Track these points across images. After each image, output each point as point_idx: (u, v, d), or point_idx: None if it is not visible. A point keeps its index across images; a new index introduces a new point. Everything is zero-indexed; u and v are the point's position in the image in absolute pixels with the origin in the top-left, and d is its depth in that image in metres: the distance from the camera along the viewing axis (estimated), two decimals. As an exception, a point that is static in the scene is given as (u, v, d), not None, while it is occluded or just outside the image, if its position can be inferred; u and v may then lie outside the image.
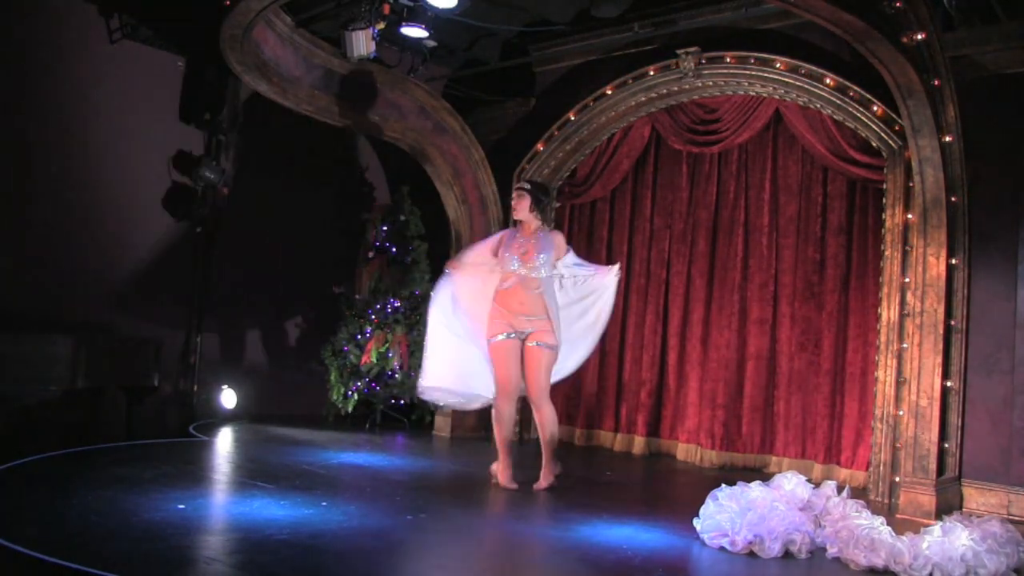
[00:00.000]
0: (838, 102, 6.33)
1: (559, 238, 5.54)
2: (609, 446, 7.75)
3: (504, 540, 4.18)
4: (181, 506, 4.22)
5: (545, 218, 5.55)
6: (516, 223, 5.59)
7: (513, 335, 5.35)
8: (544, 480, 5.48)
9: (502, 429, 5.49)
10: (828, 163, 6.72)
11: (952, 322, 5.63)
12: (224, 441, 6.69)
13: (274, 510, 4.31)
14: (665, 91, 7.38)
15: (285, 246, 8.34)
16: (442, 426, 7.89)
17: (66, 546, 3.36)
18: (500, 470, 5.52)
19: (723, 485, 4.62)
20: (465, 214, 8.11)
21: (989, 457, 5.69)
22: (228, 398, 7.68)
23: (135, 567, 3.23)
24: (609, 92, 7.54)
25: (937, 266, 5.55)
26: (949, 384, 5.63)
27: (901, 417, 5.66)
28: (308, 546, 3.74)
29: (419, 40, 7.16)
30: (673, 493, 5.97)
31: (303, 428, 7.44)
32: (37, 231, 6.58)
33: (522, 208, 5.46)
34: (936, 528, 4.16)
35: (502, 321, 5.35)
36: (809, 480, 5.00)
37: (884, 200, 6.18)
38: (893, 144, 6.07)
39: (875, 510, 4.64)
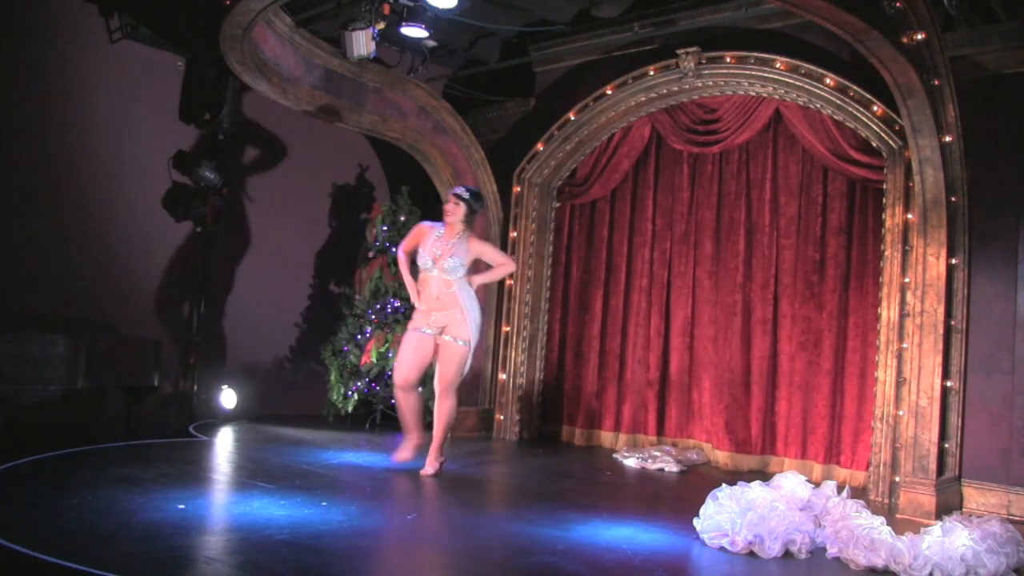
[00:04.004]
0: (838, 102, 6.33)
1: (475, 244, 5.77)
2: (609, 446, 7.75)
3: (504, 540, 4.18)
4: (181, 506, 4.22)
5: (470, 225, 5.80)
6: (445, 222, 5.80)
7: (428, 331, 5.64)
8: (430, 466, 5.65)
9: (401, 416, 5.81)
10: (828, 163, 6.72)
11: (952, 322, 5.63)
12: (224, 441, 6.68)
13: (274, 510, 4.31)
14: (665, 91, 7.39)
15: (285, 246, 8.34)
16: (442, 426, 7.88)
17: (66, 546, 3.35)
18: (402, 444, 5.81)
19: (723, 485, 4.62)
20: (465, 214, 8.09)
21: (989, 457, 5.69)
22: (228, 398, 7.68)
23: (135, 567, 3.23)
24: (609, 92, 7.55)
25: (937, 266, 5.55)
26: (949, 384, 5.63)
27: (901, 417, 5.66)
28: (308, 546, 3.74)
29: (419, 40, 7.15)
30: (673, 493, 5.96)
31: (303, 428, 7.44)
32: (37, 231, 6.58)
33: (456, 215, 5.72)
34: (936, 528, 4.16)
35: (423, 318, 5.68)
36: (809, 480, 5.00)
37: (884, 200, 6.19)
38: (893, 144, 6.07)
39: (875, 510, 4.64)
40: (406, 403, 5.75)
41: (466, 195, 5.78)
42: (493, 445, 7.61)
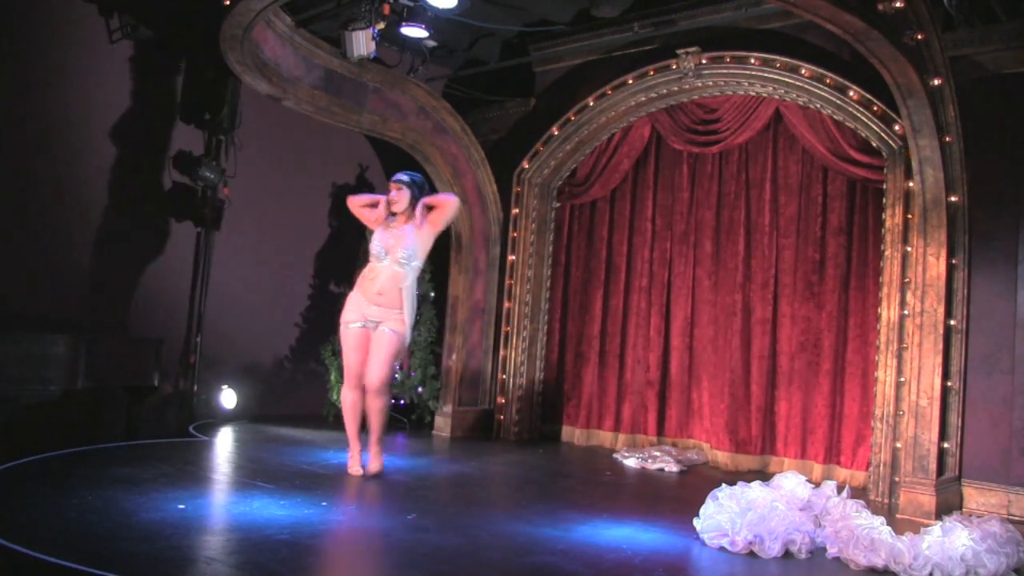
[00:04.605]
0: (838, 102, 6.33)
1: (425, 224, 5.40)
2: (609, 446, 7.75)
3: (504, 540, 4.18)
4: (181, 506, 4.22)
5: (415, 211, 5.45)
6: (392, 213, 5.47)
7: (365, 325, 5.36)
8: (376, 462, 5.46)
9: (348, 417, 5.45)
10: (828, 163, 6.72)
11: (952, 322, 5.63)
12: (224, 441, 6.69)
13: (274, 510, 4.31)
14: (665, 91, 7.39)
15: (285, 246, 8.34)
16: (442, 426, 7.89)
17: (66, 546, 3.35)
18: (349, 457, 5.49)
19: (723, 485, 4.62)
20: (465, 214, 8.11)
21: (989, 457, 5.69)
22: (228, 398, 7.68)
23: (135, 567, 3.23)
24: (609, 92, 7.55)
25: (937, 266, 5.55)
26: (949, 384, 5.63)
27: (901, 417, 5.66)
28: (308, 546, 3.75)
29: (419, 40, 7.16)
30: (673, 493, 5.96)
31: (303, 428, 7.44)
32: (37, 231, 6.58)
33: (402, 202, 5.39)
34: (936, 528, 4.16)
35: (357, 309, 5.38)
36: (809, 480, 5.00)
37: (884, 200, 6.19)
38: (893, 144, 6.07)
39: (875, 510, 4.64)
40: (356, 403, 5.41)
41: (407, 179, 5.45)
42: (493, 445, 7.61)
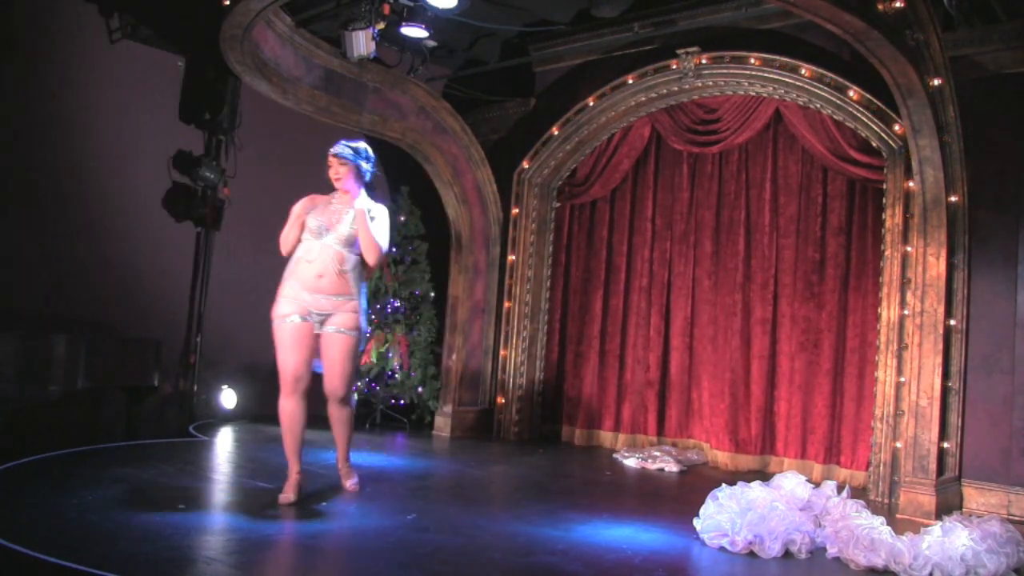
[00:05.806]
0: (838, 102, 6.33)
1: (383, 210, 4.72)
2: (609, 446, 7.75)
3: (504, 540, 4.18)
4: (181, 506, 4.22)
5: (368, 189, 4.75)
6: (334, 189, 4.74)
7: (307, 319, 4.55)
8: (351, 481, 4.96)
9: (286, 432, 4.62)
10: (828, 163, 6.72)
11: (952, 322, 5.63)
12: (224, 441, 6.68)
13: (275, 510, 4.31)
14: (665, 91, 7.39)
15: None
16: (442, 426, 7.89)
17: (66, 546, 3.36)
18: (286, 481, 4.60)
19: (723, 485, 4.63)
20: (465, 214, 8.11)
21: (989, 457, 5.69)
22: (228, 398, 7.68)
23: (135, 567, 3.23)
24: (609, 92, 7.55)
25: (937, 266, 5.55)
26: (949, 384, 5.63)
27: (901, 417, 5.66)
28: (308, 546, 3.74)
29: (419, 40, 7.16)
30: (673, 493, 5.96)
31: (303, 428, 7.43)
32: (37, 231, 6.58)
33: (345, 178, 4.65)
34: (936, 528, 4.16)
35: (295, 301, 4.55)
36: (809, 480, 5.00)
37: (884, 200, 6.19)
38: (893, 144, 6.07)
39: (875, 510, 4.64)
40: (295, 415, 4.56)
41: (348, 152, 4.63)
42: (493, 445, 7.61)
